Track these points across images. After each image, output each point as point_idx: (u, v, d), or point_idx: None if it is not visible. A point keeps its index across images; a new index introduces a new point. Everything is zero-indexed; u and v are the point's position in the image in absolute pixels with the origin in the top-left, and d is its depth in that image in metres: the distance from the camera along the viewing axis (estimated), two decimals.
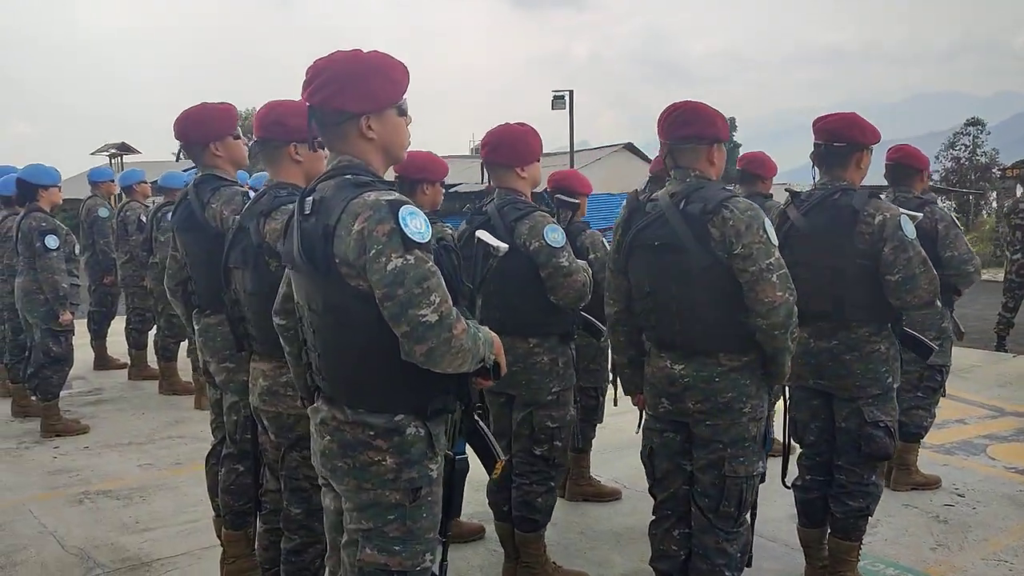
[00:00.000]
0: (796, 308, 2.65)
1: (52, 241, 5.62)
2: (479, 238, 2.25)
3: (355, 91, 2.04)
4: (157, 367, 7.23)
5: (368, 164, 2.10)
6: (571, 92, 26.64)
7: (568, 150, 27.61)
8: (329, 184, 2.05)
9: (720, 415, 2.75)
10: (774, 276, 2.60)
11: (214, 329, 3.32)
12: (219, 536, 3.57)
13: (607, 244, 4.17)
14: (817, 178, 3.34)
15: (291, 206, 2.71)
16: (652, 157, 5.18)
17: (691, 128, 2.76)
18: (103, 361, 8.03)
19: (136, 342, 7.59)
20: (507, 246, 2.28)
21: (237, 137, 3.43)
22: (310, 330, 2.11)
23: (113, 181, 8.03)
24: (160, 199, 6.96)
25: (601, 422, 4.48)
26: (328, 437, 2.10)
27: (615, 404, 4.56)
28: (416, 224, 1.93)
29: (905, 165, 4.41)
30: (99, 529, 4.22)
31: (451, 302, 1.94)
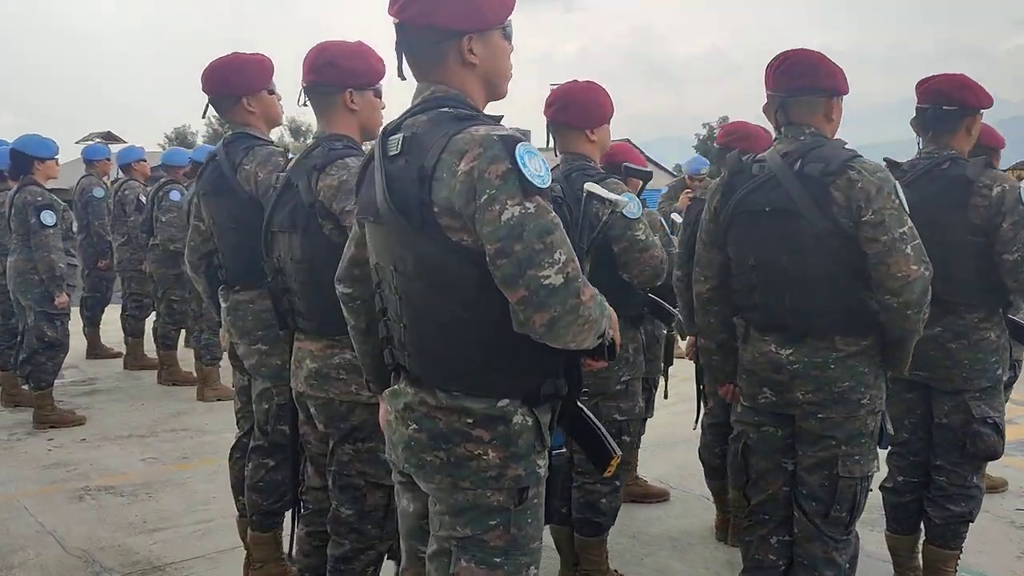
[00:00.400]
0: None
1: (48, 217, 5.22)
2: (589, 191, 1.89)
3: (459, 5, 1.69)
4: (155, 356, 6.83)
5: (467, 96, 1.75)
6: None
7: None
8: (421, 119, 1.70)
9: (834, 407, 2.41)
10: (908, 247, 2.26)
11: (244, 307, 2.96)
12: (243, 538, 3.21)
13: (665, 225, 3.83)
14: (921, 146, 3.00)
15: (350, 160, 2.37)
16: (648, 155, 4.66)
17: (807, 79, 2.42)
18: (96, 350, 7.61)
19: (132, 329, 7.18)
20: (626, 199, 1.93)
21: (272, 92, 3.07)
22: (394, 297, 1.74)
23: (109, 159, 7.61)
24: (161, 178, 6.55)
25: (651, 416, 4.14)
26: (415, 425, 1.74)
27: (665, 397, 4.23)
28: (535, 165, 1.58)
29: (983, 145, 4.07)
30: (103, 529, 3.83)
31: (577, 261, 1.59)
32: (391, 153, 1.71)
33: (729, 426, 3.70)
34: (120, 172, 7.34)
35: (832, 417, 2.41)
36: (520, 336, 1.60)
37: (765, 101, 2.52)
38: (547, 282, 1.54)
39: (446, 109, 1.69)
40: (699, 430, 3.86)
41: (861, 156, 2.36)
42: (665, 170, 29.41)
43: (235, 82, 2.95)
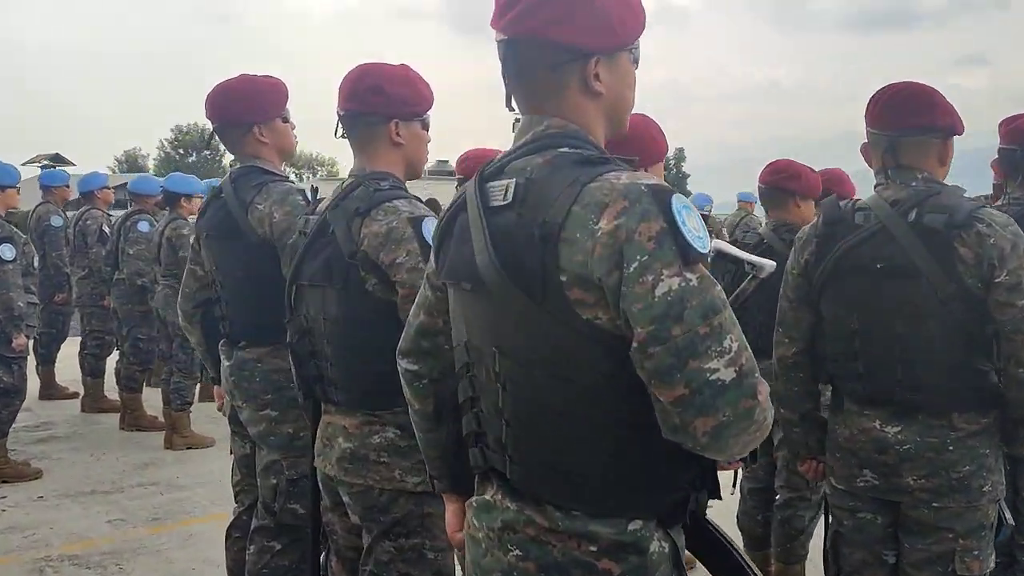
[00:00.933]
0: None
1: (8, 251, 4.74)
2: (719, 250, 1.55)
3: (589, 18, 1.34)
4: (117, 398, 6.32)
5: (589, 132, 1.40)
6: None
7: None
8: (535, 161, 1.34)
9: (953, 495, 2.10)
10: None
11: (251, 366, 2.57)
12: None
13: None
14: (1009, 191, 2.73)
15: (399, 203, 2.01)
16: None
17: (923, 117, 2.12)
18: (50, 390, 7.03)
19: (92, 369, 6.65)
20: (773, 264, 1.59)
21: (286, 120, 2.71)
22: (494, 386, 1.38)
23: (68, 186, 7.11)
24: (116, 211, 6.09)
25: None
26: (518, 551, 1.37)
27: None
28: (694, 224, 1.24)
29: None
30: None
31: (751, 350, 1.24)
32: (495, 203, 1.36)
33: (772, 491, 3.42)
34: (81, 199, 6.84)
35: (950, 507, 2.10)
36: (664, 442, 1.26)
37: (679, 147, 2.22)
38: (714, 377, 1.19)
39: (566, 149, 1.35)
40: (737, 494, 3.53)
41: (986, 206, 2.07)
42: None
43: (247, 109, 2.59)
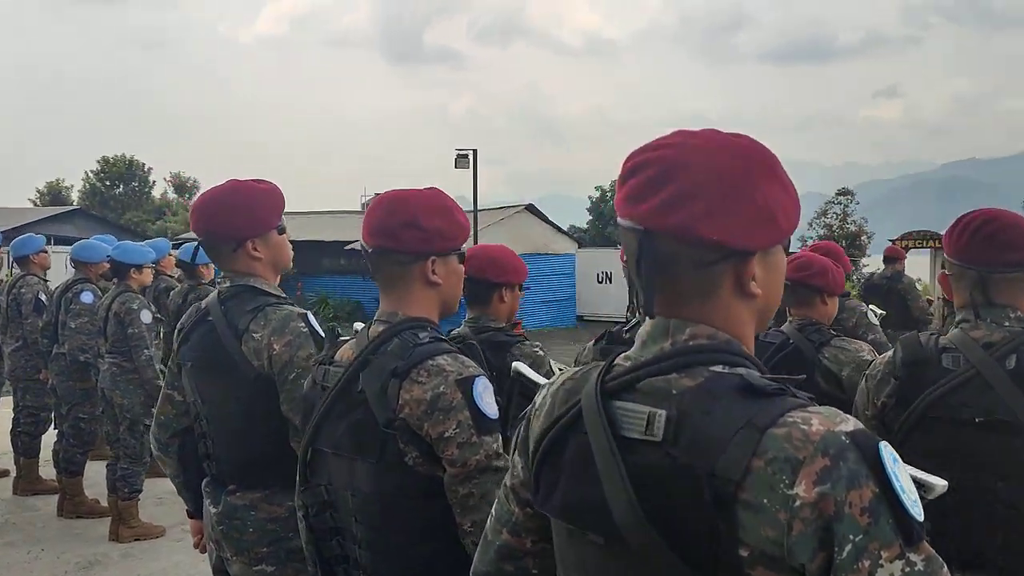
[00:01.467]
0: None
1: None
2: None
3: (749, 211, 1.09)
4: (55, 481, 5.81)
5: (743, 342, 1.14)
6: (475, 151, 26.00)
7: (472, 209, 26.85)
8: (682, 383, 1.07)
9: None
10: None
11: (244, 514, 2.24)
12: None
13: None
14: None
15: (443, 360, 1.72)
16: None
17: (1020, 252, 1.92)
18: None
19: (26, 448, 6.11)
20: (945, 485, 1.34)
21: (282, 231, 2.39)
22: None
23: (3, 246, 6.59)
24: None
25: None
26: None
27: None
28: (907, 483, 0.99)
29: None
30: None
31: None
32: (631, 434, 1.08)
33: None
34: (16, 265, 6.33)
35: None
36: None
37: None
38: None
39: (720, 369, 1.08)
40: None
41: None
42: (561, 231, 29.35)
43: (240, 224, 2.27)
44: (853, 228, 43.98)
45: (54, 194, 51.57)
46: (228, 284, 2.32)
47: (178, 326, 2.46)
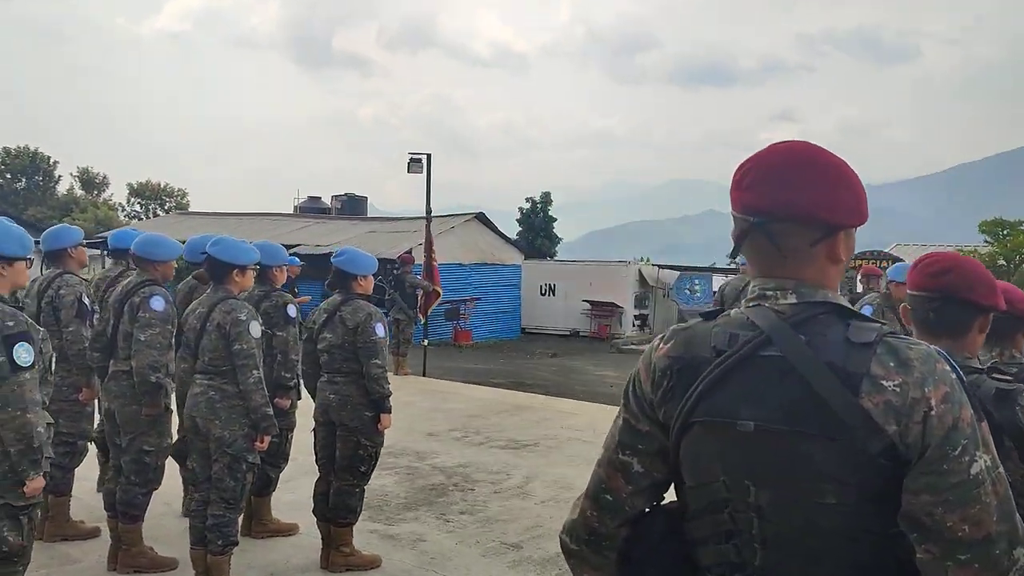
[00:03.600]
0: None
1: (25, 353, 3.24)
2: None
3: (849, 199, 1.44)
4: (83, 523, 4.73)
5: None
6: (428, 156, 25.05)
7: (424, 215, 25.89)
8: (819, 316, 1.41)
9: None
10: None
11: None
12: None
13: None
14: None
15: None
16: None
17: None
18: None
19: (57, 484, 4.95)
20: None
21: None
22: (750, 515, 1.39)
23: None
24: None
25: None
26: None
27: None
28: None
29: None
30: None
31: None
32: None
33: None
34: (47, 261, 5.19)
35: None
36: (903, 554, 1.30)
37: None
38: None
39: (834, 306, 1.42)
40: None
41: None
42: (509, 241, 28.78)
43: None
44: None
45: None
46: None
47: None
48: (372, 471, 4.82)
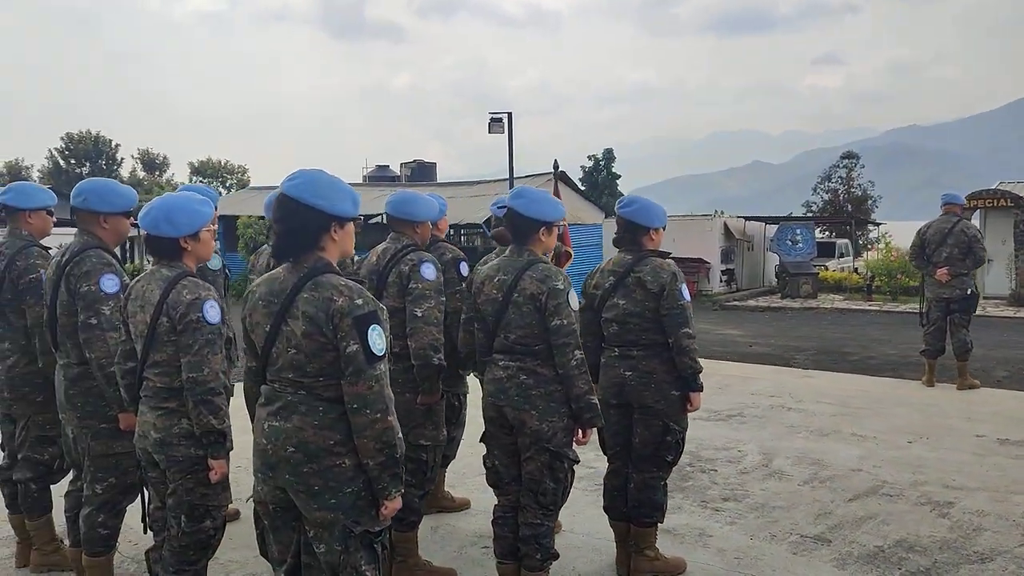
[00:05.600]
0: None
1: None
2: None
3: None
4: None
5: None
6: (509, 115, 24.25)
7: (508, 176, 25.11)
8: None
9: None
10: None
11: None
12: None
13: None
14: None
15: None
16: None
17: None
18: None
19: None
20: None
21: None
22: None
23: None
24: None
25: None
26: None
27: None
28: None
29: None
30: None
31: None
32: None
33: None
34: None
35: None
36: None
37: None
38: None
39: None
40: None
41: None
42: (589, 199, 27.97)
43: None
44: (858, 192, 43.32)
45: (13, 174, 48.31)
46: None
47: None
48: (679, 460, 4.06)
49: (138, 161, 50.66)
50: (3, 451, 4.31)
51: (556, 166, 20.72)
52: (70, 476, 3.97)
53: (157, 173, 50.36)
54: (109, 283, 3.52)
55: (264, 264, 4.67)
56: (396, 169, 33.89)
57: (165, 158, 51.44)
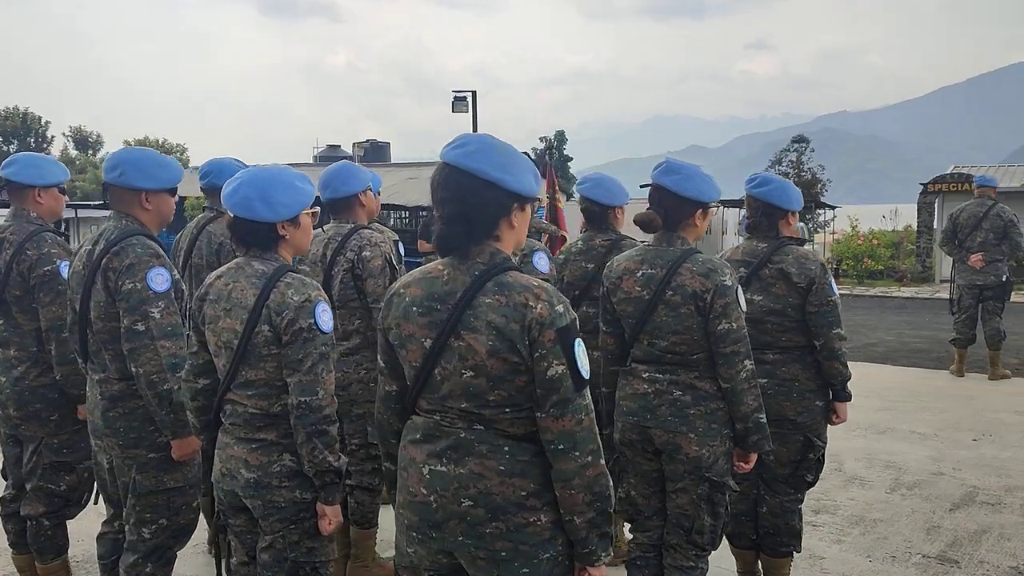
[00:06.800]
0: None
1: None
2: None
3: None
4: None
5: None
6: (474, 93, 23.52)
7: None
8: None
9: None
10: None
11: None
12: None
13: None
14: None
15: None
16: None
17: None
18: None
19: None
20: None
21: None
22: None
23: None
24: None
25: None
26: None
27: None
28: None
29: None
30: None
31: None
32: None
33: None
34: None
35: None
36: None
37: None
38: None
39: None
40: None
41: None
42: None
43: None
44: (808, 177, 43.62)
45: None
46: None
47: None
48: (817, 480, 3.53)
49: (70, 139, 48.29)
50: (5, 479, 3.57)
51: (550, 146, 20.08)
52: (96, 509, 3.27)
53: (91, 152, 48.10)
54: (159, 279, 2.81)
55: (188, 246, 3.99)
56: (348, 149, 32.84)
57: (99, 136, 49.16)
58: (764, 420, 2.86)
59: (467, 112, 23.40)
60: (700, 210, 2.92)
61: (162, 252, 2.88)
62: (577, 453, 1.92)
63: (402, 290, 2.09)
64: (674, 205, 2.89)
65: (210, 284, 2.50)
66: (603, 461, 1.97)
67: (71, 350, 3.15)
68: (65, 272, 3.22)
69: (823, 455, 3.46)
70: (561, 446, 1.92)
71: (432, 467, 2.01)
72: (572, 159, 50.95)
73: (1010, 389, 7.74)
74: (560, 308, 1.95)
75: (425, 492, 2.02)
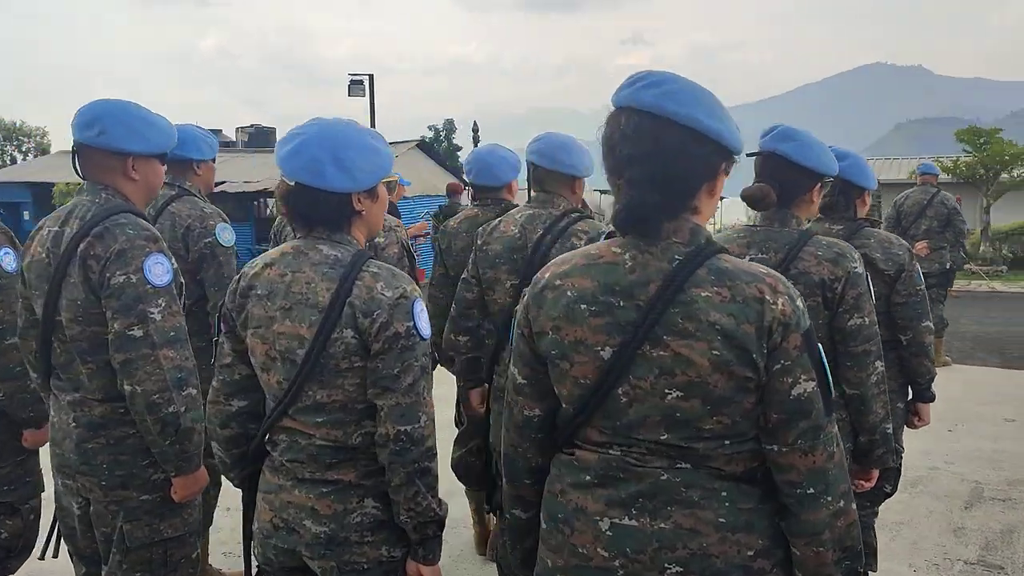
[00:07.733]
0: None
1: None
2: None
3: None
4: None
5: None
6: (371, 76, 22.65)
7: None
8: None
9: None
10: None
11: None
12: None
13: None
14: None
15: None
16: None
17: None
18: None
19: None
20: None
21: None
22: None
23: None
24: None
25: None
26: None
27: None
28: None
29: None
30: None
31: None
32: None
33: None
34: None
35: None
36: None
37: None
38: None
39: None
40: None
41: None
42: (448, 170, 26.77)
43: None
44: None
45: None
46: None
47: None
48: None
49: None
50: None
51: (480, 128, 19.53)
52: (57, 565, 2.57)
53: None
54: (158, 269, 2.16)
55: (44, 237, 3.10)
56: (231, 134, 31.17)
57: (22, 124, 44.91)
58: (891, 431, 2.47)
59: (364, 96, 22.52)
60: (819, 184, 2.49)
61: (158, 235, 2.23)
62: (829, 498, 1.45)
63: (557, 282, 1.55)
64: (791, 177, 2.44)
65: (255, 274, 1.88)
66: (855, 506, 1.50)
67: (16, 361, 2.46)
68: (8, 264, 2.52)
69: (901, 463, 3.11)
70: (811, 489, 1.44)
71: (616, 520, 1.49)
72: (461, 148, 50.51)
73: (964, 377, 7.76)
74: (801, 304, 1.47)
75: (606, 555, 1.49)
